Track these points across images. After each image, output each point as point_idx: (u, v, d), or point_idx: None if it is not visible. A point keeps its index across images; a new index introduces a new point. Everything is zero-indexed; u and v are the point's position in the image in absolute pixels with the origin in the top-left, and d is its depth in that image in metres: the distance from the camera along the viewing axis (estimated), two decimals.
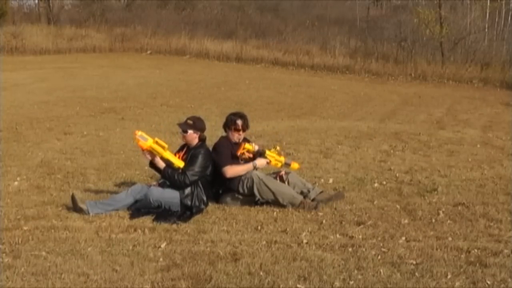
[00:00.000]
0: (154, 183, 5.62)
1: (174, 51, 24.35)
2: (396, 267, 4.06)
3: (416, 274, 3.94)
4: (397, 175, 6.74)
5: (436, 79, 18.85)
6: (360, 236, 4.66)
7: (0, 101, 11.72)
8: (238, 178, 5.42)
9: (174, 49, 24.44)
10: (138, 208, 5.17)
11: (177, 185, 5.20)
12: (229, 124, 5.60)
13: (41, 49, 23.86)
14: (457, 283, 3.82)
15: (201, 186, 5.26)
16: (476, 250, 4.35)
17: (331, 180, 6.44)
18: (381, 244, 4.48)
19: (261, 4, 31.39)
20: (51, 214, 5.09)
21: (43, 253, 4.22)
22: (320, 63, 21.13)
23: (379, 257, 4.23)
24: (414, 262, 4.13)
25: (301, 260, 4.17)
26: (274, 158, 5.66)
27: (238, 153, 5.54)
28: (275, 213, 5.25)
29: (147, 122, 10.14)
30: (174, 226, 4.85)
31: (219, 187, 5.51)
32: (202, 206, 5.24)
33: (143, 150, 5.23)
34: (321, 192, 5.66)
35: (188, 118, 5.49)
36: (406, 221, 5.07)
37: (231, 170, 5.41)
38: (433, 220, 5.09)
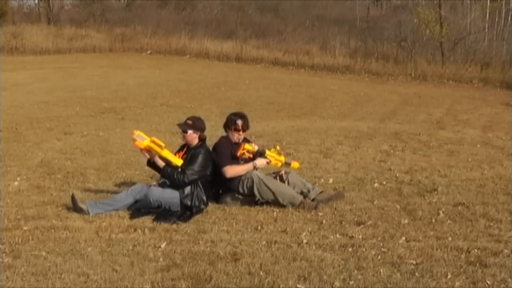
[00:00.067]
0: (154, 183, 5.62)
1: (174, 51, 24.36)
2: (396, 267, 4.06)
3: (416, 274, 3.94)
4: (397, 175, 6.74)
5: (436, 79, 18.85)
6: (360, 236, 4.66)
7: (0, 101, 11.72)
8: (238, 178, 5.42)
9: (174, 49, 24.45)
10: (138, 208, 5.17)
11: (177, 184, 5.20)
12: (229, 124, 5.60)
13: (41, 49, 23.86)
14: (457, 283, 3.82)
15: (201, 186, 5.26)
16: (476, 250, 4.35)
17: (331, 180, 6.44)
18: (381, 244, 4.48)
19: (261, 4, 31.39)
20: (51, 214, 5.09)
21: (43, 253, 4.22)
22: (320, 63, 21.13)
23: (379, 257, 4.23)
24: (414, 262, 4.13)
25: (301, 260, 4.17)
26: (274, 158, 5.66)
27: (238, 154, 5.54)
28: (275, 213, 5.25)
29: (147, 122, 10.14)
30: (174, 226, 4.85)
31: (219, 187, 5.51)
32: (202, 206, 5.24)
33: (141, 149, 5.23)
34: (321, 192, 5.66)
35: (188, 118, 5.49)
36: (406, 221, 5.07)
37: (231, 170, 5.41)
38: (433, 220, 5.09)
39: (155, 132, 8.99)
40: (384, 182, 6.39)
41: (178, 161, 5.24)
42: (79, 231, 4.68)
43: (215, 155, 5.44)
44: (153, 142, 5.16)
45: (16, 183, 6.11)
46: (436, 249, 4.39)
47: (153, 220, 4.97)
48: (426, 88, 16.98)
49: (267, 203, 5.41)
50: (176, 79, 16.86)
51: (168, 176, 5.24)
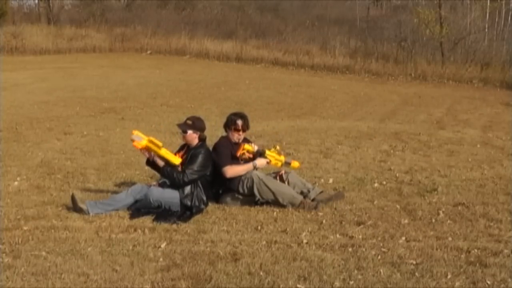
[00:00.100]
0: (154, 183, 5.62)
1: (174, 51, 24.36)
2: (396, 267, 4.06)
3: (416, 274, 3.94)
4: (397, 175, 6.74)
5: (436, 79, 18.85)
6: (360, 236, 4.66)
7: (0, 101, 11.72)
8: (238, 178, 5.42)
9: (174, 49, 24.45)
10: (138, 208, 5.17)
11: (176, 184, 5.20)
12: (229, 124, 5.60)
13: (41, 49, 23.86)
14: (457, 283, 3.82)
15: (200, 186, 5.26)
16: (476, 250, 4.35)
17: (331, 180, 6.44)
18: (381, 244, 4.48)
19: (261, 4, 31.39)
20: (51, 214, 5.09)
21: (43, 253, 4.22)
22: (320, 63, 21.13)
23: (379, 257, 4.23)
24: (414, 262, 4.13)
25: (301, 260, 4.17)
26: (274, 157, 5.67)
27: (238, 154, 5.54)
28: (275, 213, 5.25)
29: (147, 122, 10.14)
30: (174, 226, 4.85)
31: (219, 187, 5.51)
32: (202, 206, 5.24)
33: (140, 149, 5.23)
34: (321, 192, 5.66)
35: (188, 118, 5.49)
36: (406, 221, 5.07)
37: (231, 170, 5.41)
38: (433, 220, 5.09)
39: (155, 132, 9.00)
40: (384, 182, 6.39)
41: (176, 160, 5.24)
42: (79, 231, 4.68)
43: (215, 155, 5.44)
44: (151, 141, 5.16)
45: (16, 183, 6.11)
46: (436, 249, 4.39)
47: (153, 220, 4.97)
48: (426, 88, 16.98)
49: (267, 203, 5.41)
50: (176, 79, 16.86)
51: (168, 175, 5.24)
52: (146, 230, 4.73)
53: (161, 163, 5.25)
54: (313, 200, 5.48)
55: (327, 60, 21.30)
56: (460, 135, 9.57)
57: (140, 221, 4.95)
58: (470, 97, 15.16)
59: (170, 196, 5.19)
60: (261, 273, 3.93)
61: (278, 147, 5.85)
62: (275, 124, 10.19)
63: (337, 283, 3.80)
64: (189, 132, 5.36)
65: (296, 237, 4.64)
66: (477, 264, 4.09)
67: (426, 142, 8.84)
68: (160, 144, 5.19)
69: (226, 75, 18.45)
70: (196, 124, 5.40)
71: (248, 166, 5.48)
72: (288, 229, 4.81)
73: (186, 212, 5.12)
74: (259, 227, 4.86)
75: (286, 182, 5.59)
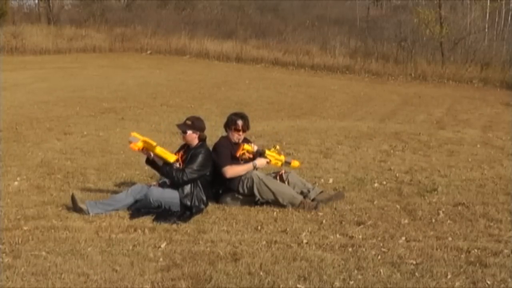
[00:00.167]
0: (154, 183, 5.62)
1: (174, 51, 24.35)
2: (396, 267, 4.06)
3: (416, 274, 3.94)
4: (397, 175, 6.74)
5: (436, 79, 18.85)
6: (360, 236, 4.66)
7: (0, 101, 11.71)
8: (238, 178, 5.42)
9: (174, 49, 24.44)
10: (138, 208, 5.17)
11: (175, 182, 5.20)
12: (229, 124, 5.60)
13: (41, 49, 23.85)
14: (457, 283, 3.82)
15: (200, 186, 5.26)
16: (476, 250, 4.35)
17: (331, 180, 6.44)
18: (381, 244, 4.48)
19: (261, 4, 31.39)
20: (51, 214, 5.09)
21: (43, 253, 4.22)
22: (320, 63, 21.13)
23: (379, 257, 4.23)
24: (414, 262, 4.13)
25: (301, 260, 4.17)
26: (274, 157, 5.67)
27: (238, 154, 5.54)
28: (275, 213, 5.25)
29: (147, 122, 10.14)
30: (174, 226, 4.85)
31: (219, 187, 5.51)
32: (202, 206, 5.24)
33: (139, 150, 5.25)
34: (321, 192, 5.66)
35: (187, 119, 5.49)
36: (406, 221, 5.07)
37: (231, 170, 5.41)
38: (433, 220, 5.09)
39: (155, 132, 9.01)
40: (384, 182, 6.39)
41: (171, 157, 5.24)
42: (79, 231, 4.68)
43: (215, 155, 5.44)
44: (145, 142, 5.17)
45: (16, 183, 6.11)
46: (436, 249, 4.39)
47: (153, 220, 4.97)
48: (426, 88, 16.98)
49: (267, 203, 5.41)
50: (176, 79, 16.86)
51: (167, 174, 5.25)
52: (146, 230, 4.73)
53: (160, 162, 5.26)
54: (313, 200, 5.48)
55: (327, 60, 21.30)
56: (460, 135, 9.57)
57: (140, 221, 4.95)
58: (470, 97, 15.16)
59: (170, 196, 5.19)
60: (261, 273, 3.93)
61: (278, 147, 5.85)
62: (275, 124, 10.19)
63: (337, 283, 3.80)
64: (189, 132, 5.36)
65: (296, 237, 4.64)
66: (477, 264, 4.09)
67: (426, 142, 8.84)
68: (154, 143, 5.20)
69: (226, 75, 18.46)
70: (196, 124, 5.40)
71: (248, 166, 5.48)
72: (288, 229, 4.81)
73: (186, 212, 5.12)
74: (259, 227, 4.86)
75: (286, 182, 5.59)
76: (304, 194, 5.52)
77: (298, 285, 3.78)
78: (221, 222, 5.00)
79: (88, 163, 7.10)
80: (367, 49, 22.46)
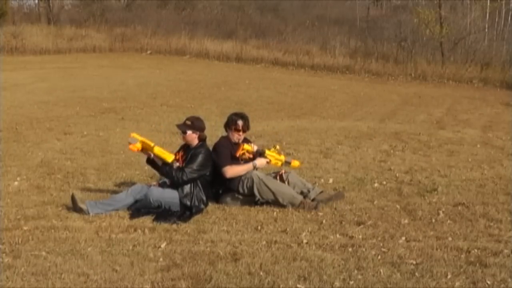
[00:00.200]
0: (154, 183, 5.62)
1: (174, 51, 24.36)
2: (396, 267, 4.06)
3: (416, 274, 3.94)
4: (397, 175, 6.74)
5: (436, 79, 18.85)
6: (360, 236, 4.66)
7: (0, 101, 11.71)
8: (238, 178, 5.42)
9: (174, 49, 24.45)
10: (138, 208, 5.17)
11: (175, 182, 5.20)
12: (230, 124, 5.60)
13: (41, 49, 23.86)
14: (457, 283, 3.82)
15: (200, 186, 5.26)
16: (476, 250, 4.35)
17: (331, 180, 6.44)
18: (381, 244, 4.48)
19: (261, 4, 31.40)
20: (51, 214, 5.09)
21: (43, 253, 4.22)
22: (320, 63, 21.14)
23: (379, 257, 4.23)
24: (414, 262, 4.13)
25: (301, 260, 4.17)
26: (274, 157, 5.67)
27: (237, 154, 5.54)
28: (275, 213, 5.25)
29: (147, 122, 10.14)
30: (174, 226, 4.85)
31: (219, 187, 5.51)
32: (202, 206, 5.24)
33: (138, 151, 5.25)
34: (321, 192, 5.66)
35: (187, 119, 5.48)
36: (406, 221, 5.07)
37: (231, 170, 5.41)
38: (433, 220, 5.09)
39: (155, 132, 9.02)
40: (384, 182, 6.39)
41: (169, 157, 5.25)
42: (79, 231, 4.68)
43: (215, 155, 5.44)
44: (143, 143, 5.19)
45: (16, 183, 6.11)
46: (436, 249, 4.39)
47: (153, 220, 4.97)
48: (426, 88, 16.98)
49: (267, 203, 5.40)
50: (176, 79, 16.86)
51: (167, 173, 5.25)
52: (146, 230, 4.73)
53: (160, 162, 5.27)
54: (313, 200, 5.48)
55: (327, 60, 21.30)
56: (460, 135, 9.57)
57: (140, 221, 4.95)
58: (470, 97, 15.16)
59: (170, 196, 5.19)
60: (261, 273, 3.93)
61: (278, 147, 5.85)
62: (275, 124, 10.19)
63: (337, 283, 3.80)
64: (189, 132, 5.36)
65: (296, 237, 4.64)
66: (477, 264, 4.09)
67: (426, 142, 8.84)
68: (151, 144, 5.21)
69: (226, 75, 18.46)
70: (195, 124, 5.40)
71: (248, 166, 5.48)
72: (288, 229, 4.81)
73: (186, 212, 5.12)
74: (259, 227, 4.86)
75: (286, 182, 5.59)
76: (304, 194, 5.52)
77: (298, 285, 3.78)
78: (221, 222, 5.00)
79: (88, 163, 7.10)
80: (367, 49, 22.47)
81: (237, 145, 5.58)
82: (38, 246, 4.34)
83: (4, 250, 4.26)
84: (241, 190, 5.42)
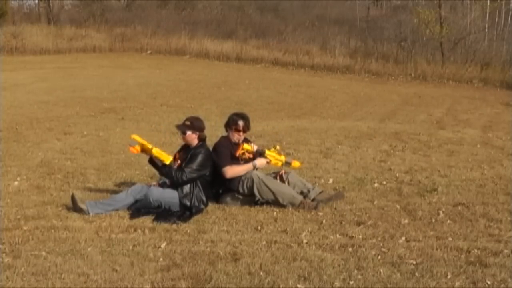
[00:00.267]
0: (154, 183, 5.62)
1: (174, 51, 24.36)
2: (396, 267, 4.06)
3: (416, 274, 3.94)
4: (397, 175, 6.74)
5: (436, 79, 18.86)
6: (360, 236, 4.66)
7: (0, 101, 11.71)
8: (238, 178, 5.42)
9: (174, 49, 24.45)
10: (138, 208, 5.17)
11: (175, 182, 5.21)
12: (230, 124, 5.60)
13: (41, 49, 23.86)
14: (457, 283, 3.82)
15: (200, 186, 5.26)
16: (476, 250, 4.35)
17: (331, 180, 6.44)
18: (381, 244, 4.48)
19: (261, 4, 31.40)
20: (51, 214, 5.09)
21: (43, 253, 4.22)
22: (320, 63, 21.14)
23: (379, 257, 4.23)
24: (414, 262, 4.13)
25: (301, 260, 4.17)
26: (274, 157, 5.66)
27: (237, 154, 5.54)
28: (275, 213, 5.25)
29: (147, 122, 10.14)
30: (174, 226, 4.85)
31: (219, 187, 5.51)
32: (202, 206, 5.24)
33: (138, 152, 5.26)
34: (321, 192, 5.66)
35: (187, 119, 5.48)
36: (406, 221, 5.07)
37: (231, 171, 5.41)
38: (433, 220, 5.09)
39: (155, 132, 9.02)
40: (384, 182, 6.39)
41: (167, 159, 5.25)
42: (79, 231, 4.67)
43: (215, 155, 5.44)
44: (142, 145, 5.20)
45: (16, 183, 6.11)
46: (436, 249, 4.39)
47: (153, 220, 4.97)
48: (426, 88, 16.98)
49: (267, 203, 5.40)
50: (176, 79, 16.86)
51: (166, 173, 5.26)
52: (146, 230, 4.73)
53: (160, 162, 5.27)
54: (313, 200, 5.48)
55: (327, 60, 21.31)
56: (460, 135, 9.57)
57: (140, 221, 4.95)
58: (470, 97, 15.16)
59: (170, 196, 5.19)
60: (261, 273, 3.93)
61: (278, 147, 5.85)
62: (275, 124, 10.19)
63: (337, 283, 3.80)
64: (188, 132, 5.36)
65: (296, 237, 4.64)
66: (477, 264, 4.09)
67: (426, 142, 8.84)
68: (150, 146, 5.22)
69: (226, 75, 18.46)
70: (195, 124, 5.40)
71: (248, 166, 5.48)
72: (288, 229, 4.81)
73: (186, 212, 5.12)
74: (259, 227, 4.86)
75: (286, 182, 5.59)
76: (304, 194, 5.52)
77: (298, 285, 3.78)
78: (221, 222, 5.00)
79: (88, 163, 7.10)
80: (367, 49, 22.48)
81: (237, 145, 5.58)
82: (38, 246, 4.34)
83: (4, 250, 4.26)
84: (241, 190, 5.41)
